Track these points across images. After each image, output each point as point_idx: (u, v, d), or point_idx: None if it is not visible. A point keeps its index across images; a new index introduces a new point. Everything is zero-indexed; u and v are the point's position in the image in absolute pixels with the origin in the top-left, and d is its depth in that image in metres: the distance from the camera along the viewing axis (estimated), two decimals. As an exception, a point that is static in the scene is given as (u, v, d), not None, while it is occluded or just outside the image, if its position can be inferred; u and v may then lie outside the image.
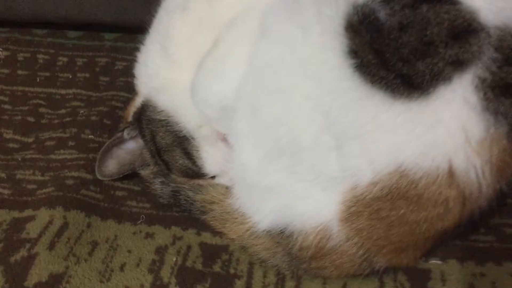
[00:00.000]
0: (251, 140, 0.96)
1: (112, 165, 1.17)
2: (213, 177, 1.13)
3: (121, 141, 1.17)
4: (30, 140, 1.35)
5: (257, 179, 0.97)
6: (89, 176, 1.24)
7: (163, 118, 1.11)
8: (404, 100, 0.84)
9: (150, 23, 1.21)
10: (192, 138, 1.10)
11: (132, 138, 1.18)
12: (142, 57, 1.19)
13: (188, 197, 1.12)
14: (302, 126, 0.90)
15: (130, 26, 1.56)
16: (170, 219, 1.16)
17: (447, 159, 0.85)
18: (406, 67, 0.83)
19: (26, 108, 1.43)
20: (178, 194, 1.13)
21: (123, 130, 1.18)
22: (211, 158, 1.10)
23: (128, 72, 1.46)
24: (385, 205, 0.88)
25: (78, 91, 1.46)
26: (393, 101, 0.84)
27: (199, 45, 1.05)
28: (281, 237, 0.98)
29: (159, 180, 1.17)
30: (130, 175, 1.25)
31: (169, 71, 1.10)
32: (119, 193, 1.23)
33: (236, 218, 1.05)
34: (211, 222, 1.10)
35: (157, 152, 1.13)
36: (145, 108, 1.14)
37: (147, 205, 1.20)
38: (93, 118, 1.37)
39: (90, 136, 1.33)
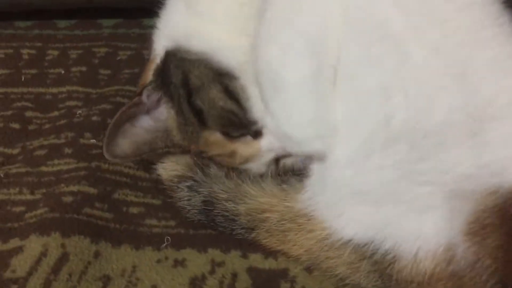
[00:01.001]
0: (344, 126, 0.70)
1: (125, 144, 0.88)
2: (259, 134, 0.84)
3: (138, 110, 0.89)
4: (15, 151, 1.07)
5: (347, 177, 0.70)
6: (92, 190, 0.96)
7: (200, 58, 0.85)
8: None
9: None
10: (236, 77, 0.83)
11: (153, 105, 0.90)
12: (170, 7, 0.92)
13: (227, 211, 0.83)
14: (431, 96, 0.65)
15: (131, 8, 1.30)
16: (204, 239, 0.89)
17: None
18: None
19: (9, 112, 1.15)
20: (212, 208, 0.85)
21: (140, 93, 0.89)
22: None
23: (134, 62, 1.22)
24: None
25: (74, 88, 1.18)
26: None
27: None
28: (372, 253, 0.69)
29: (186, 184, 0.88)
30: (146, 187, 0.97)
31: (204, 15, 0.85)
32: (133, 210, 0.95)
33: (301, 226, 0.77)
34: (264, 240, 0.82)
35: (188, 98, 0.85)
36: (173, 52, 0.88)
37: (172, 223, 0.92)
38: (94, 118, 1.09)
39: (91, 141, 1.06)
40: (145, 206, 0.95)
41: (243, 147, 0.85)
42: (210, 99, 0.84)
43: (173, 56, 0.88)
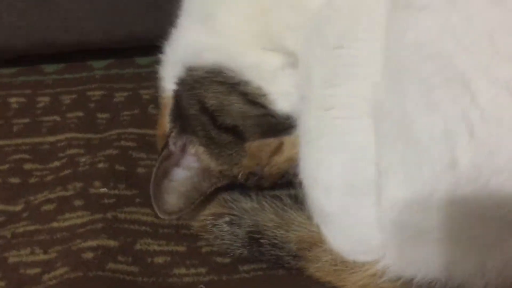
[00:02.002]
0: (401, 170, 0.68)
1: (173, 199, 0.87)
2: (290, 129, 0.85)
3: (169, 164, 0.88)
4: (19, 207, 1.00)
5: (409, 218, 0.68)
6: (113, 243, 0.91)
7: (211, 70, 0.88)
8: None
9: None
10: (249, 81, 0.87)
11: (182, 150, 0.89)
12: (182, 29, 0.96)
13: (276, 237, 0.81)
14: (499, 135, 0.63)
15: (122, 48, 1.26)
16: (242, 283, 0.84)
17: None
18: None
19: (6, 166, 1.08)
20: (260, 236, 0.82)
21: (166, 145, 0.88)
22: (280, 89, 0.87)
23: (132, 103, 1.18)
24: None
25: (72, 135, 1.12)
26: None
27: None
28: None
29: (224, 220, 0.86)
30: (167, 234, 0.93)
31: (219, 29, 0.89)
32: (159, 260, 0.90)
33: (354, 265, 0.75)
34: (313, 269, 0.79)
35: (214, 122, 0.86)
36: (182, 83, 0.91)
37: (202, 270, 0.88)
38: (101, 165, 1.04)
39: (102, 190, 1.00)
40: (170, 254, 0.90)
41: (288, 139, 0.86)
42: (238, 112, 0.85)
43: (184, 88, 0.89)
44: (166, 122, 0.92)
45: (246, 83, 0.86)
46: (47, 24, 1.15)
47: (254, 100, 0.86)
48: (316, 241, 0.79)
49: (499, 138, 0.61)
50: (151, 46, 1.17)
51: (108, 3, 1.14)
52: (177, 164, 0.88)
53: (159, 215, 0.87)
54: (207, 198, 0.90)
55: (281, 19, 0.86)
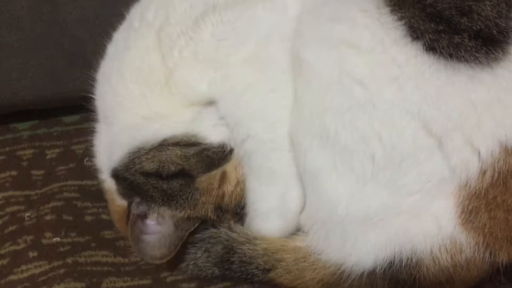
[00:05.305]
0: (334, 172, 0.83)
1: (155, 252, 0.92)
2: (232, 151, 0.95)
3: (140, 231, 0.93)
4: (-33, 270, 0.98)
5: (352, 211, 0.82)
6: (80, 285, 0.95)
7: (132, 153, 0.95)
8: (487, 67, 0.78)
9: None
10: (173, 135, 0.94)
11: (144, 217, 0.94)
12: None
13: (245, 254, 0.90)
14: (396, 134, 0.80)
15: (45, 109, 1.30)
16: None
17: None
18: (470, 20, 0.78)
19: None
20: (232, 254, 0.91)
21: (129, 213, 0.93)
22: (205, 125, 0.94)
23: (66, 159, 1.22)
24: (499, 190, 0.79)
25: (10, 193, 1.13)
26: (478, 73, 0.78)
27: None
28: (392, 271, 0.82)
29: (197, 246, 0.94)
30: (129, 271, 0.99)
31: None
32: (129, 294, 0.94)
33: (315, 263, 0.87)
34: (281, 279, 0.89)
35: (161, 179, 0.92)
36: (115, 172, 0.96)
37: None
38: (48, 218, 1.06)
39: (55, 239, 1.02)
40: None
41: (228, 164, 0.94)
42: (178, 158, 0.93)
43: (120, 174, 0.95)
44: (116, 208, 0.99)
45: (171, 137, 0.94)
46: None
47: (187, 143, 0.94)
48: (282, 249, 0.90)
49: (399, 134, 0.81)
50: (76, 105, 1.25)
51: (38, 63, 1.19)
52: (144, 231, 0.93)
53: (150, 262, 0.93)
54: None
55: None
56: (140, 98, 0.94)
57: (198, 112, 0.95)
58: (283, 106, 0.90)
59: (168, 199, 0.93)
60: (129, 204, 0.94)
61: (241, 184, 0.95)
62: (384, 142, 0.80)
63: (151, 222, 0.93)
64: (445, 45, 0.78)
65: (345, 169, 0.83)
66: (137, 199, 0.93)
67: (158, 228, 0.93)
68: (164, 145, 0.93)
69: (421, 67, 0.79)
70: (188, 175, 0.93)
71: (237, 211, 0.95)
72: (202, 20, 0.92)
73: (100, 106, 1.01)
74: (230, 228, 0.93)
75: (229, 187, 0.95)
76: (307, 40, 0.87)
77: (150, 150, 0.93)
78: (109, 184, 0.99)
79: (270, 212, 0.93)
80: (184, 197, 0.93)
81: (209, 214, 0.94)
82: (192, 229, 0.94)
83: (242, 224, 0.95)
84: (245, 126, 0.91)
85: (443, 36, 0.79)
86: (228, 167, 0.95)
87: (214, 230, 0.94)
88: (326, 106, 0.84)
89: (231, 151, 0.95)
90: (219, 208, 0.94)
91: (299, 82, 0.88)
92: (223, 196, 0.95)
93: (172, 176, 0.92)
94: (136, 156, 0.93)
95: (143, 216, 0.94)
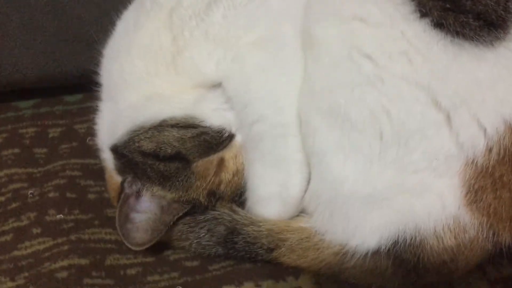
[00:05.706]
0: (341, 151, 0.84)
1: (140, 236, 0.92)
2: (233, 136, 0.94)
3: (129, 209, 0.93)
4: (-30, 244, 0.99)
5: (357, 190, 0.83)
6: (84, 261, 0.95)
7: (133, 132, 0.94)
8: (490, 46, 0.79)
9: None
10: (172, 116, 0.94)
11: (138, 195, 0.94)
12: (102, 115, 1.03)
13: (249, 235, 0.90)
14: (405, 109, 0.80)
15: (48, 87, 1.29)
16: (215, 280, 0.93)
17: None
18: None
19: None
20: (236, 234, 0.91)
21: (122, 190, 0.93)
22: (207, 108, 0.94)
23: (69, 137, 1.22)
24: (505, 169, 0.80)
25: (12, 170, 1.13)
26: (482, 52, 0.79)
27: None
28: (396, 250, 0.83)
29: (201, 226, 0.94)
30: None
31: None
32: (131, 271, 0.96)
33: (318, 243, 0.88)
34: (284, 258, 0.90)
35: (158, 159, 0.92)
36: (115, 148, 0.96)
37: (175, 274, 0.95)
38: (52, 195, 1.06)
39: (58, 216, 1.02)
40: (140, 265, 0.96)
41: (227, 152, 0.94)
42: (175, 139, 0.92)
43: (120, 152, 0.95)
44: (113, 184, 0.98)
45: (171, 118, 0.93)
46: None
47: (185, 124, 0.93)
48: (286, 229, 0.90)
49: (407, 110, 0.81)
50: (78, 84, 1.25)
51: (42, 42, 1.18)
52: (135, 209, 0.93)
53: (131, 247, 0.92)
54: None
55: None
56: (145, 75, 0.94)
57: (200, 95, 0.95)
58: (293, 90, 0.90)
59: (164, 179, 0.93)
60: (122, 182, 0.94)
61: (239, 173, 0.95)
62: (392, 118, 0.80)
63: (142, 201, 0.93)
64: (451, 22, 0.79)
65: (353, 149, 0.83)
66: (129, 178, 0.93)
67: (147, 207, 0.93)
68: (163, 125, 0.93)
69: (429, 42, 0.80)
70: (184, 159, 0.93)
71: (234, 199, 0.95)
72: (214, 3, 0.92)
73: (105, 83, 1.00)
74: (233, 211, 0.93)
75: (227, 176, 0.94)
76: (317, 16, 0.87)
77: (149, 129, 0.93)
78: (109, 163, 0.99)
79: (272, 197, 0.93)
80: (179, 179, 0.93)
81: (200, 199, 0.93)
82: (180, 214, 0.93)
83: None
84: (255, 109, 0.91)
85: (450, 13, 0.80)
86: (227, 154, 0.95)
87: (217, 212, 0.94)
88: (336, 82, 0.84)
89: (230, 137, 0.94)
90: (213, 194, 0.94)
91: (309, 58, 0.88)
92: (219, 183, 0.94)
93: (169, 158, 0.92)
94: (135, 135, 0.93)
95: (135, 196, 0.94)
